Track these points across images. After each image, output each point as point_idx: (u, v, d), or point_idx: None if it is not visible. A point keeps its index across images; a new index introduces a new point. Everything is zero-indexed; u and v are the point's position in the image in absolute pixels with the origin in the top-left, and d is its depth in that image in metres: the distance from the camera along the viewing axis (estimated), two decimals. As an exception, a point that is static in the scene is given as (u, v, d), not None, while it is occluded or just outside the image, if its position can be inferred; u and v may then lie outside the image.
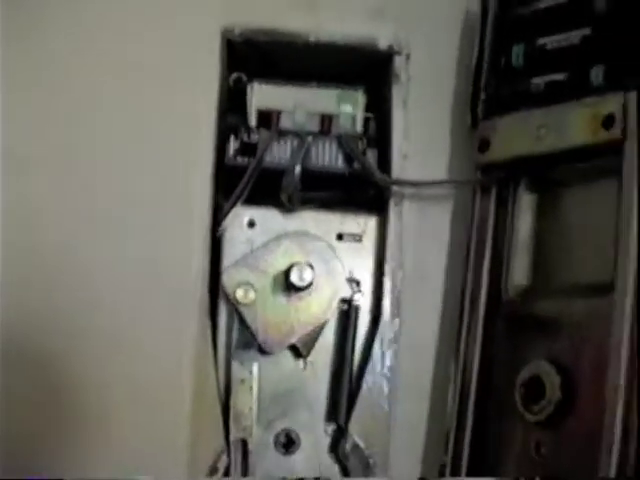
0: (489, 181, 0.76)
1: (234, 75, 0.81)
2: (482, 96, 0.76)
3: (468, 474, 0.73)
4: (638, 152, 0.65)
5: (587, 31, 0.70)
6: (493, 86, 0.76)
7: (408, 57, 0.80)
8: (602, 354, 0.65)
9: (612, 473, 0.63)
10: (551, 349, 0.70)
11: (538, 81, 0.73)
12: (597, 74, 0.68)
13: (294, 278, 0.76)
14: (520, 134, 0.72)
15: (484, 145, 0.75)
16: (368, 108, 0.82)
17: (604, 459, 0.63)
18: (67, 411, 0.76)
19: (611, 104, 0.66)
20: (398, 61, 0.80)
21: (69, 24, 0.79)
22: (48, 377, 0.76)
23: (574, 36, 0.71)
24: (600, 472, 0.63)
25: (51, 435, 0.76)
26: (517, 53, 0.74)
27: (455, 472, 0.74)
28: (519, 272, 0.75)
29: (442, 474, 0.74)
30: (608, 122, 0.66)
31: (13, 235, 0.76)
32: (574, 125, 0.69)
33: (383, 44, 0.80)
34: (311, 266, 0.77)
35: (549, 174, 0.74)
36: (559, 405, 0.68)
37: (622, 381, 0.63)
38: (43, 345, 0.76)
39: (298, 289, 0.77)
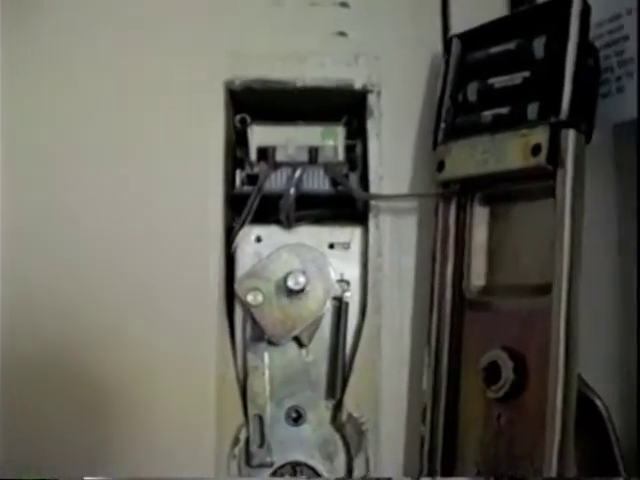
0: (448, 195, 0.75)
1: (238, 116, 0.81)
2: (442, 125, 0.76)
3: (444, 443, 0.74)
4: (572, 178, 0.66)
5: (527, 74, 0.70)
6: (451, 116, 0.75)
7: (379, 94, 0.80)
8: (545, 342, 0.66)
9: (557, 436, 0.64)
10: (505, 339, 0.70)
11: (487, 114, 0.72)
12: (532, 110, 0.68)
13: (290, 283, 0.77)
14: (468, 157, 0.72)
15: (440, 166, 0.74)
16: (354, 136, 0.82)
17: (549, 424, 0.65)
18: (105, 405, 0.77)
19: (539, 135, 0.66)
20: (371, 98, 0.80)
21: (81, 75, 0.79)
22: (80, 383, 0.77)
23: (517, 77, 0.71)
24: (547, 434, 0.65)
25: (86, 427, 0.77)
26: (472, 90, 0.74)
27: (432, 440, 0.74)
28: (477, 274, 0.75)
29: (422, 442, 0.75)
30: (535, 150, 0.67)
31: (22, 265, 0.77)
32: (510, 151, 0.68)
33: (358, 85, 0.80)
34: (304, 273, 0.78)
35: (497, 191, 0.74)
36: (513, 385, 0.68)
37: (561, 363, 0.65)
38: (77, 352, 0.77)
39: (295, 292, 0.77)
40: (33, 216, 0.78)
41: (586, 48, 0.68)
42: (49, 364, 0.76)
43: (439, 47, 0.79)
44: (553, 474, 0.64)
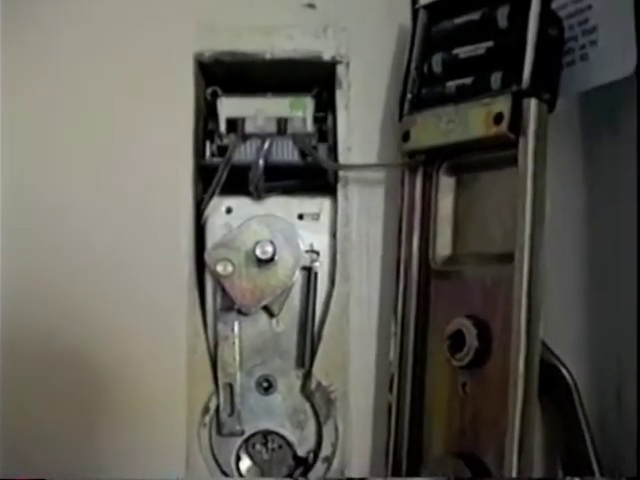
0: (413, 165, 0.73)
1: (209, 89, 0.79)
2: (408, 96, 0.73)
3: (410, 411, 0.72)
4: (534, 146, 0.64)
5: (491, 44, 0.68)
6: (417, 87, 0.73)
7: (348, 66, 0.78)
8: (508, 310, 0.64)
9: (519, 401, 0.63)
10: (470, 307, 0.69)
11: (451, 84, 0.70)
12: (496, 79, 0.67)
13: (258, 252, 0.75)
14: (433, 127, 0.70)
15: (406, 136, 0.72)
16: (324, 108, 0.80)
17: (512, 390, 0.63)
18: (74, 374, 0.76)
19: (501, 104, 0.65)
20: (340, 70, 0.78)
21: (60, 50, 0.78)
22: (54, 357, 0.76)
23: (481, 47, 0.69)
24: (509, 400, 0.63)
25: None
26: (437, 61, 0.72)
27: (399, 409, 0.73)
28: (443, 243, 0.73)
29: (390, 411, 0.73)
30: (498, 119, 0.65)
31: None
32: (473, 121, 0.67)
33: (327, 56, 0.78)
34: (272, 242, 0.76)
35: (462, 161, 0.72)
36: (477, 352, 0.67)
37: (522, 331, 0.63)
38: (49, 329, 0.76)
39: (264, 261, 0.76)
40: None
41: (549, 18, 0.66)
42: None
43: (408, 18, 0.77)
44: (516, 440, 0.63)
